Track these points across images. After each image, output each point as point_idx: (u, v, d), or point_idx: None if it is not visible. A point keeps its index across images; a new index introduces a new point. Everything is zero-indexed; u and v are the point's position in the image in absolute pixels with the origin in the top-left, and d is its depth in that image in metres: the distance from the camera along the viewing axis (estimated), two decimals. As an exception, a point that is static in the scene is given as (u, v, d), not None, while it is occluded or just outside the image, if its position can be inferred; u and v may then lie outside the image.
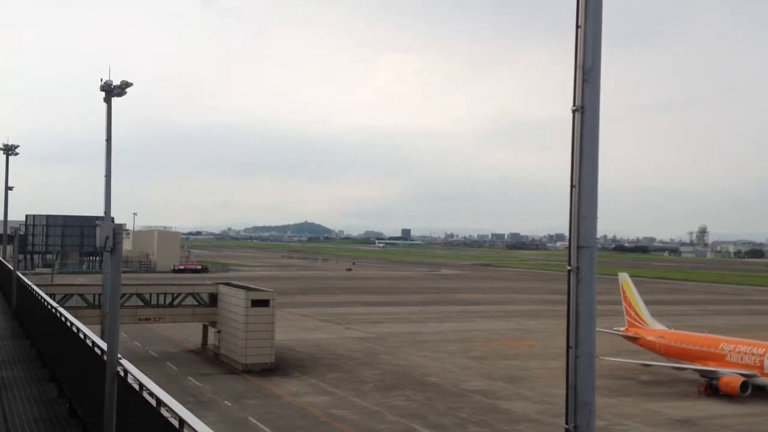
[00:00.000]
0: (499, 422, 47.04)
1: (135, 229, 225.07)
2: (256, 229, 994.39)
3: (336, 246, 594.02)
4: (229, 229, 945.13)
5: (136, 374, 14.90)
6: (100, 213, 36.64)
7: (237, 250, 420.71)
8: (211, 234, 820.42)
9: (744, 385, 54.39)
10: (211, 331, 73.44)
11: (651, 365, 63.82)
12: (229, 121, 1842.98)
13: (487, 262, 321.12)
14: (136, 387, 14.37)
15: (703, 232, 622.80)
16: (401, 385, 58.10)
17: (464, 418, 47.92)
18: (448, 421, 47.27)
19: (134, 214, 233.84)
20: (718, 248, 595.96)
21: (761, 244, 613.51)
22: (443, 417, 48.24)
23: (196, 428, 11.23)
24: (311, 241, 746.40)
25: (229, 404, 51.00)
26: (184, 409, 11.96)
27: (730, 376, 55.48)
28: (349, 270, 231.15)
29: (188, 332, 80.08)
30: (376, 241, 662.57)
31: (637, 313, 71.11)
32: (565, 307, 13.63)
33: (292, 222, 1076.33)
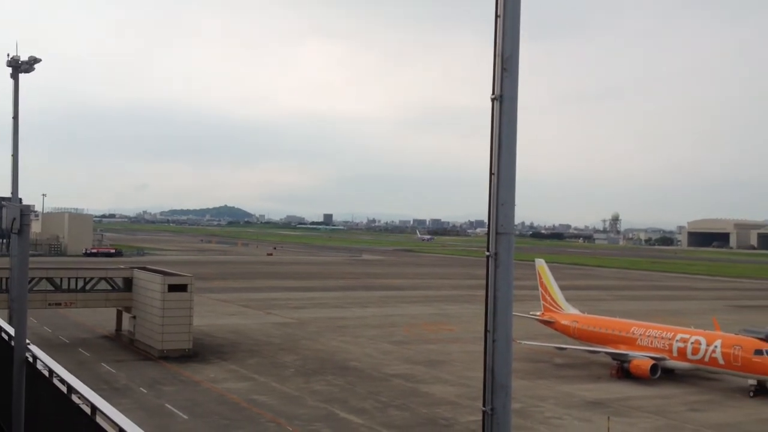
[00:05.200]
0: (419, 405, 47.62)
1: (44, 211, 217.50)
2: (173, 212, 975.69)
3: (257, 230, 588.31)
4: (145, 212, 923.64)
5: (46, 360, 14.43)
6: (7, 194, 35.37)
7: (153, 233, 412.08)
8: (126, 217, 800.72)
9: (654, 368, 56.45)
10: (126, 316, 71.75)
11: (565, 348, 65.66)
12: (146, 102, 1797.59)
13: (409, 248, 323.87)
14: (46, 373, 13.91)
15: (615, 220, 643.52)
16: (322, 370, 58.12)
17: (385, 402, 48.31)
18: (369, 405, 47.58)
19: (43, 195, 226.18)
20: (630, 236, 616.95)
21: (670, 232, 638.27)
22: (364, 401, 48.52)
23: (110, 415, 10.93)
24: (231, 226, 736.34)
25: (145, 391, 50.00)
26: (97, 395, 11.64)
27: (641, 359, 57.50)
28: (270, 255, 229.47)
29: (101, 318, 78.01)
30: (418, 231, 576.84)
31: (553, 298, 72.97)
32: (483, 292, 13.84)
33: (211, 206, 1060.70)
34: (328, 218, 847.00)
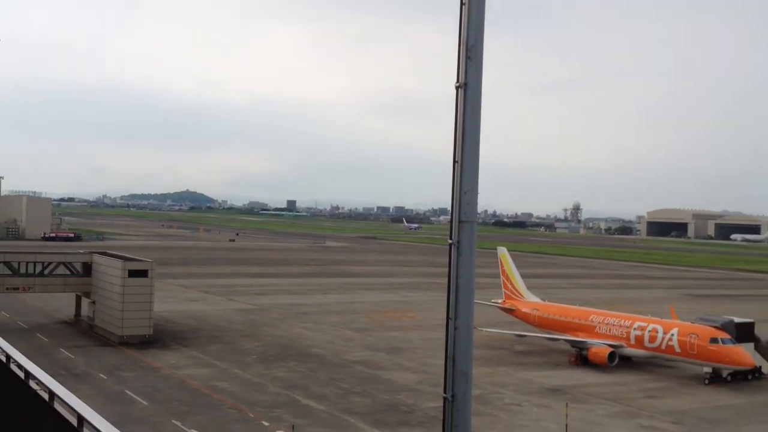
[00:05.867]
0: (380, 392, 47.83)
1: (2, 194, 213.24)
2: (133, 197, 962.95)
3: (219, 216, 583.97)
4: (105, 196, 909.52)
5: (3, 345, 14.21)
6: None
7: (113, 218, 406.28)
8: (86, 201, 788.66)
9: (611, 355, 57.34)
10: (85, 301, 70.81)
11: (525, 336, 66.40)
12: (108, 83, 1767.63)
13: (372, 235, 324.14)
14: (3, 359, 13.71)
15: (576, 209, 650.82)
16: (284, 357, 58.04)
17: (346, 389, 48.43)
18: (330, 391, 47.66)
19: (0, 177, 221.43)
20: (591, 225, 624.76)
21: (630, 222, 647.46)
22: (325, 388, 48.58)
23: (68, 401, 10.82)
24: (193, 211, 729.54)
25: (104, 377, 49.47)
26: (55, 381, 11.51)
27: (599, 347, 58.37)
28: (233, 241, 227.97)
29: (60, 303, 76.91)
30: (405, 220, 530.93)
31: (514, 285, 73.68)
32: (446, 280, 13.92)
33: (172, 191, 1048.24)
34: (291, 205, 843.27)
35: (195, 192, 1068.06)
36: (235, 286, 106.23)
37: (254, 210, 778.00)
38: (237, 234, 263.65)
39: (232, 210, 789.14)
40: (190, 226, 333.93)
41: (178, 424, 39.47)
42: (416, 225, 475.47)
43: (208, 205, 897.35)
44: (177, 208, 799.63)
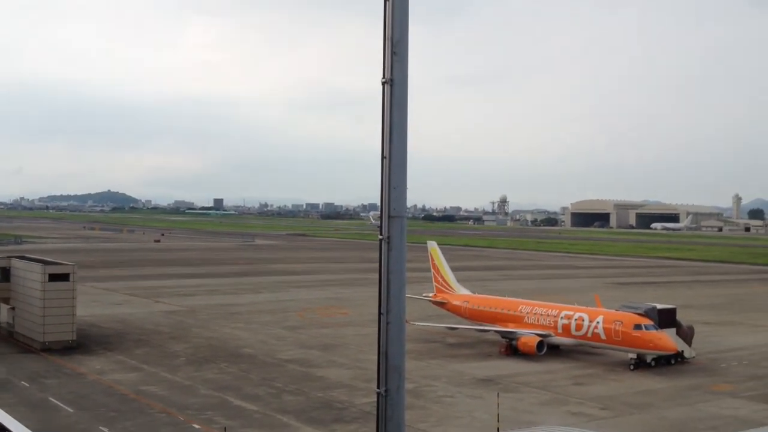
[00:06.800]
0: (314, 390, 47.58)
1: None
2: (53, 198, 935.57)
3: (143, 216, 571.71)
4: (22, 198, 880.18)
5: None
6: None
7: (31, 221, 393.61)
8: (2, 204, 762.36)
9: (540, 345, 58.37)
10: (4, 307, 68.26)
11: (457, 328, 67.08)
12: (21, 82, 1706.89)
13: (302, 232, 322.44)
14: None
15: (503, 202, 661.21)
16: (214, 358, 57.14)
17: (279, 388, 48.01)
18: (263, 391, 47.16)
19: None
20: (517, 217, 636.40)
21: (555, 213, 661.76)
22: (258, 388, 48.05)
23: None
24: (115, 212, 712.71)
25: (27, 385, 47.79)
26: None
27: (528, 337, 59.36)
28: (158, 241, 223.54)
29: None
30: (371, 216, 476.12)
31: (445, 279, 74.32)
32: (377, 276, 13.86)
33: (93, 191, 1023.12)
34: (218, 203, 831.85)
35: (117, 192, 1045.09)
36: (162, 287, 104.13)
37: (180, 209, 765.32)
38: (162, 234, 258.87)
39: (157, 210, 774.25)
40: (113, 227, 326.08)
41: (106, 430, 38.44)
42: None
43: (131, 205, 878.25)
44: (99, 208, 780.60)
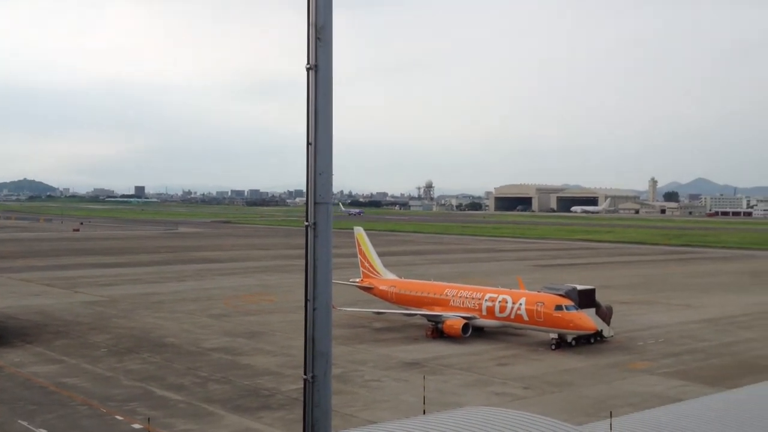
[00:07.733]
0: (240, 378, 47.22)
1: None
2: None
3: (61, 205, 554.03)
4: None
5: None
6: None
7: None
8: None
9: (465, 327, 59.25)
10: None
11: (384, 313, 67.51)
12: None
13: (227, 219, 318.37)
14: None
15: (429, 187, 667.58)
16: (137, 349, 56.04)
17: (204, 377, 47.46)
18: (188, 381, 46.53)
19: None
20: (443, 202, 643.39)
21: (479, 198, 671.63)
22: (182, 377, 47.39)
23: None
24: (32, 200, 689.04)
25: (-61, 382, 45.93)
26: None
27: (453, 319, 60.19)
28: (77, 230, 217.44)
29: None
30: (341, 205, 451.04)
31: (371, 264, 74.65)
32: (303, 262, 13.86)
33: (8, 180, 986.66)
34: (140, 191, 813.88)
35: (34, 180, 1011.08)
36: (81, 277, 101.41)
37: (99, 198, 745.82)
38: (81, 223, 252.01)
39: (75, 198, 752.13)
40: (30, 216, 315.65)
41: (25, 424, 37.31)
42: (357, 210, 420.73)
43: (48, 193, 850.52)
44: (14, 197, 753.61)
